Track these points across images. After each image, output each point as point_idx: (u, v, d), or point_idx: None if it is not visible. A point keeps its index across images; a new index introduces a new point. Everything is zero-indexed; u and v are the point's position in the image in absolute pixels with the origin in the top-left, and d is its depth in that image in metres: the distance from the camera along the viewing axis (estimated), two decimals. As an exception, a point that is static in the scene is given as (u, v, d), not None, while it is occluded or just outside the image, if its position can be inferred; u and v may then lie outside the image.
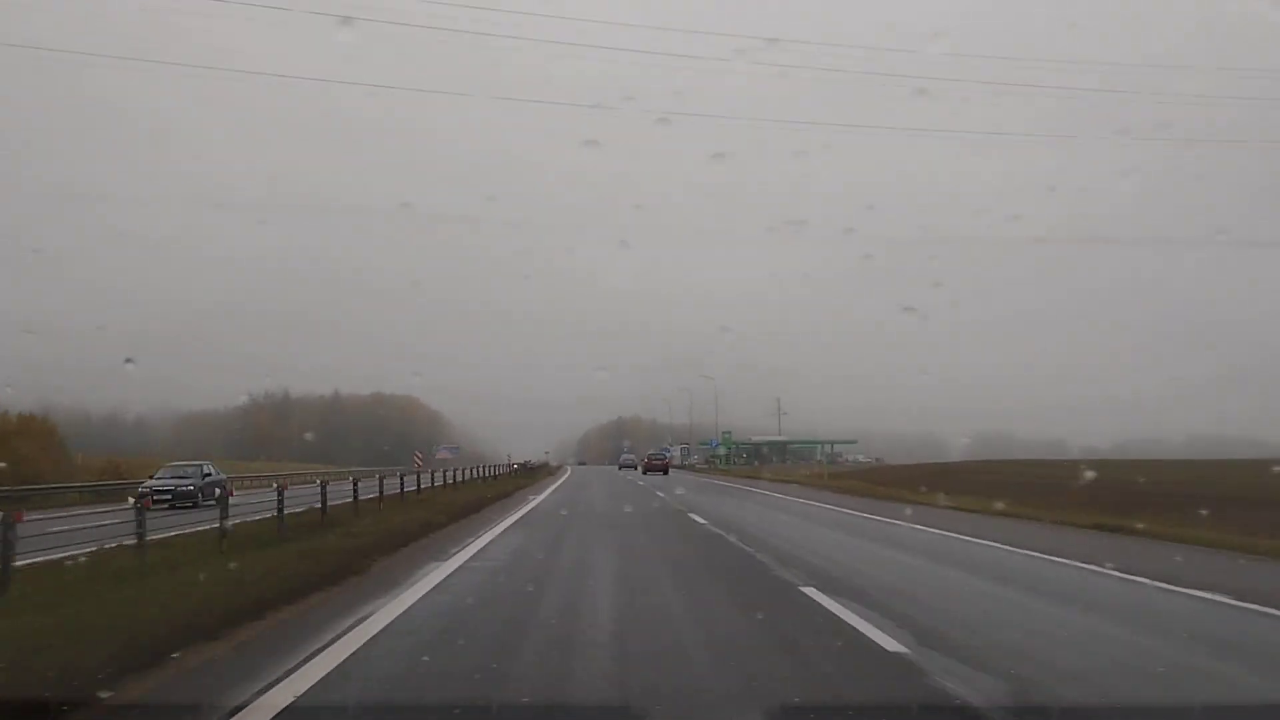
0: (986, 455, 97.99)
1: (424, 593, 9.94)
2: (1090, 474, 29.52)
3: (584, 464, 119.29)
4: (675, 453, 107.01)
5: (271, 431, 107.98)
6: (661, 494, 34.19)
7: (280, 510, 15.77)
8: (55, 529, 12.95)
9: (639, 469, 71.21)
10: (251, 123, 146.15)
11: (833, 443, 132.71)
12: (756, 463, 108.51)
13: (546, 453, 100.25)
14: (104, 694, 5.56)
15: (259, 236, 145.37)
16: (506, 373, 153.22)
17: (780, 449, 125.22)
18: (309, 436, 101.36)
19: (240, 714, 5.24)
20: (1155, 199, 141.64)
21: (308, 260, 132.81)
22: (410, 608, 8.97)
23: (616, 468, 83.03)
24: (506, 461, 66.13)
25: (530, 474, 58.68)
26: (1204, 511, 18.41)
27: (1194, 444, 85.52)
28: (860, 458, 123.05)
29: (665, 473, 65.72)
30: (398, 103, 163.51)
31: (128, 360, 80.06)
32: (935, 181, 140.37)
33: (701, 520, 20.94)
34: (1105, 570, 12.00)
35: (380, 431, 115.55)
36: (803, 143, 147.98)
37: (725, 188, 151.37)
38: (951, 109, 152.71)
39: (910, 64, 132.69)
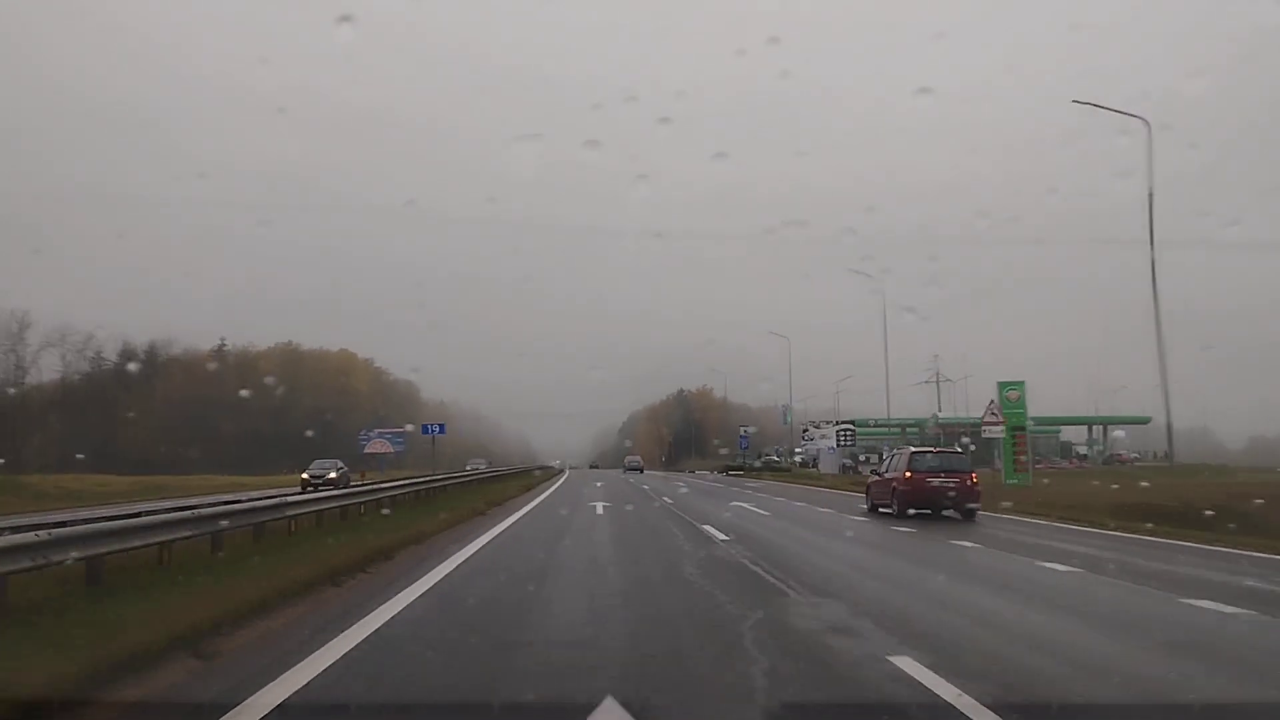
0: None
1: None
2: None
3: (596, 466, 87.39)
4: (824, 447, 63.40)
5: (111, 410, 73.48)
6: None
7: None
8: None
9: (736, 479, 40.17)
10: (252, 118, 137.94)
11: (1105, 422, 76.85)
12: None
13: (482, 463, 65.56)
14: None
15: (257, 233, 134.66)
16: (520, 367, 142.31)
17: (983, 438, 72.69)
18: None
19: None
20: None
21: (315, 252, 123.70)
22: None
23: (621, 470, 70.28)
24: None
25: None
26: None
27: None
28: (1124, 451, 78.20)
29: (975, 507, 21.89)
30: (399, 100, 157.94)
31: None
32: (936, 181, 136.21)
33: None
34: None
35: (289, 407, 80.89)
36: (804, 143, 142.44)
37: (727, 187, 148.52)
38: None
39: (911, 64, 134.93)
